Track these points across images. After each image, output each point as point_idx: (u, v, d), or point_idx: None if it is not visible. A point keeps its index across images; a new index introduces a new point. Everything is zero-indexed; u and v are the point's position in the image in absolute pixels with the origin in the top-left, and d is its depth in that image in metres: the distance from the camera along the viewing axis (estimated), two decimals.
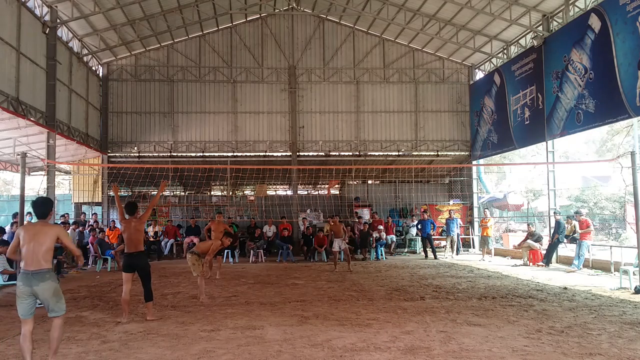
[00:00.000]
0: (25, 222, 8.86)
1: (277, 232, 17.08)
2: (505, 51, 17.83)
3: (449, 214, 17.99)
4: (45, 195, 14.75)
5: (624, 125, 21.04)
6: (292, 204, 19.30)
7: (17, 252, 4.91)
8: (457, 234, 17.49)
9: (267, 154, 19.77)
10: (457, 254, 17.04)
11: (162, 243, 17.13)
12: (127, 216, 7.25)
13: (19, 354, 5.31)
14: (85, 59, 17.37)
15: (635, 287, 9.08)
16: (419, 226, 17.41)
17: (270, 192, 21.13)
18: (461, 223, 18.55)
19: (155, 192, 19.50)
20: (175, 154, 19.49)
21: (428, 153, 20.42)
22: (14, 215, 13.91)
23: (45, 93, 13.98)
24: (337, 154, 20.03)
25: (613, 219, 23.52)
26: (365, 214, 19.34)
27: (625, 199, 19.71)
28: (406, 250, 18.34)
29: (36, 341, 5.79)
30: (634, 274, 9.55)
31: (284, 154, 19.81)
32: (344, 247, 13.47)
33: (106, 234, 15.00)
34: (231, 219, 18.47)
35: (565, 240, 13.64)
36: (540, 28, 15.31)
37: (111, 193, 19.49)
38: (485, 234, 16.20)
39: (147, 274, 7.12)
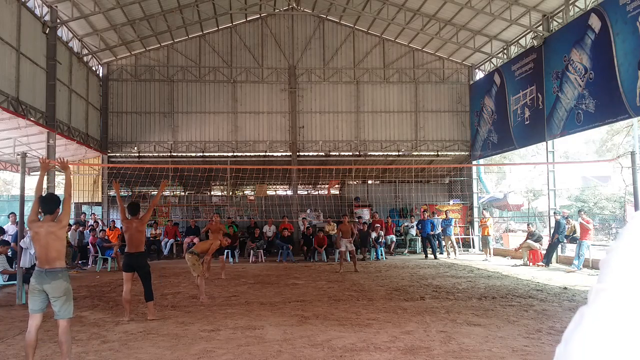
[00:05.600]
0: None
1: (278, 232, 17.08)
2: (505, 51, 17.82)
3: (445, 214, 17.96)
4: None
5: (624, 125, 21.05)
6: (292, 204, 19.30)
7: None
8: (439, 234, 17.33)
9: (267, 154, 19.76)
10: (449, 255, 16.93)
11: (162, 243, 17.13)
12: (129, 216, 7.26)
13: (19, 353, 5.31)
14: (85, 59, 17.36)
15: None
16: (419, 226, 17.41)
17: (270, 192, 21.13)
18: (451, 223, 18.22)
19: (156, 192, 19.63)
20: (175, 154, 19.49)
21: (428, 153, 20.41)
22: (9, 215, 13.92)
23: (45, 93, 13.97)
24: (337, 154, 20.02)
25: (613, 219, 23.53)
26: (365, 214, 19.34)
27: (625, 199, 19.71)
28: (406, 250, 18.33)
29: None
30: None
31: (284, 154, 19.80)
32: (351, 247, 13.44)
33: (106, 233, 15.00)
34: (231, 219, 18.47)
35: (565, 240, 13.66)
36: (540, 28, 15.31)
37: (112, 193, 19.51)
38: (485, 234, 16.21)
39: (147, 273, 7.14)
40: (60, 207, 5.01)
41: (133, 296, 7.39)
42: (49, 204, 4.94)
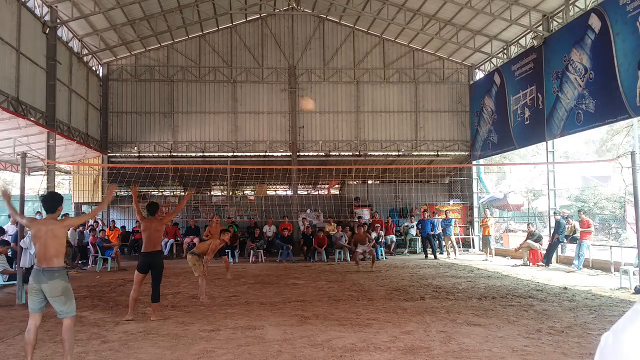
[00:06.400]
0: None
1: (278, 232, 17.07)
2: (505, 51, 17.82)
3: (445, 214, 17.96)
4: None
5: (624, 125, 21.05)
6: (292, 204, 19.30)
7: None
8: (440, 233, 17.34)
9: (267, 154, 19.76)
10: (449, 255, 16.93)
11: (162, 243, 17.09)
12: (147, 216, 7.31)
13: (18, 353, 5.31)
14: (85, 59, 17.36)
15: (635, 287, 9.09)
16: (419, 226, 17.41)
17: (270, 192, 21.13)
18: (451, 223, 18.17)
19: (156, 192, 19.65)
20: (175, 154, 19.49)
21: (428, 153, 20.41)
22: (10, 215, 13.94)
23: (45, 93, 13.98)
24: (337, 154, 20.02)
25: (613, 219, 23.52)
26: (365, 214, 19.33)
27: (625, 199, 19.70)
28: (406, 250, 18.33)
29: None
30: (634, 274, 9.55)
31: (284, 154, 19.80)
32: (368, 249, 13.79)
33: (106, 233, 15.00)
34: (231, 219, 18.47)
35: (565, 240, 13.66)
36: (540, 28, 15.31)
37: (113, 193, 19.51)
38: (486, 234, 16.20)
39: (160, 274, 7.15)
40: (62, 205, 5.00)
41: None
42: (50, 202, 4.94)
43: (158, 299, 7.13)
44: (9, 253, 10.24)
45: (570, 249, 14.36)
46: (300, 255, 16.69)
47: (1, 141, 14.61)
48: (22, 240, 8.94)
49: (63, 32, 15.34)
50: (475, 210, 19.94)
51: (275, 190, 21.99)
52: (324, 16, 19.70)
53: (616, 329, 0.91)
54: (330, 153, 19.95)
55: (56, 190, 16.21)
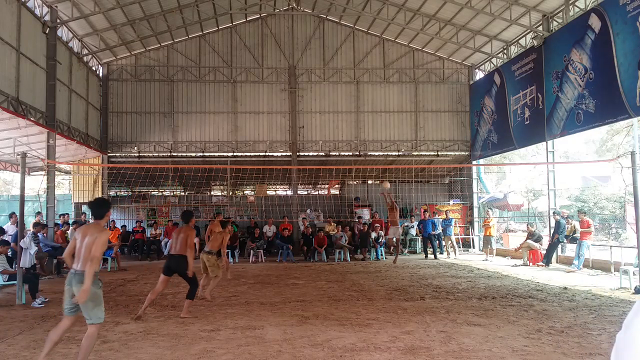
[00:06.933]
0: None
1: (278, 232, 17.07)
2: (505, 51, 17.82)
3: (445, 214, 17.96)
4: (46, 195, 14.79)
5: (624, 125, 21.06)
6: (292, 204, 19.30)
7: (71, 256, 4.86)
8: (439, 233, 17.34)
9: (267, 154, 19.76)
10: (449, 255, 16.93)
11: (162, 243, 17.13)
12: (180, 224, 7.62)
13: (19, 353, 5.32)
14: (85, 59, 17.36)
15: (635, 287, 9.09)
16: (420, 226, 17.40)
17: (270, 192, 21.13)
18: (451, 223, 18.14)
19: (156, 192, 19.63)
20: (175, 154, 19.48)
21: (428, 153, 20.41)
22: (10, 215, 13.92)
23: (45, 93, 13.98)
24: (337, 154, 20.02)
25: (613, 219, 23.52)
26: (365, 214, 19.32)
27: (625, 199, 19.70)
28: (406, 250, 18.32)
29: (36, 341, 5.79)
30: (634, 274, 9.55)
31: (284, 154, 19.80)
32: (399, 236, 13.03)
33: None
34: (231, 219, 18.45)
35: (565, 240, 13.66)
36: (540, 28, 15.31)
37: (112, 193, 19.57)
38: (488, 234, 16.20)
39: (185, 275, 7.26)
40: (110, 210, 5.10)
41: (132, 296, 7.37)
42: (99, 208, 4.96)
43: (191, 297, 7.29)
44: (9, 253, 10.23)
45: (570, 249, 14.36)
46: (300, 255, 16.69)
47: (1, 141, 14.61)
48: (22, 240, 8.93)
49: (63, 32, 15.34)
50: (475, 210, 19.94)
51: (275, 190, 21.99)
52: (324, 16, 19.70)
53: (626, 322, 0.95)
54: (330, 153, 19.95)
55: (56, 191, 16.21)
